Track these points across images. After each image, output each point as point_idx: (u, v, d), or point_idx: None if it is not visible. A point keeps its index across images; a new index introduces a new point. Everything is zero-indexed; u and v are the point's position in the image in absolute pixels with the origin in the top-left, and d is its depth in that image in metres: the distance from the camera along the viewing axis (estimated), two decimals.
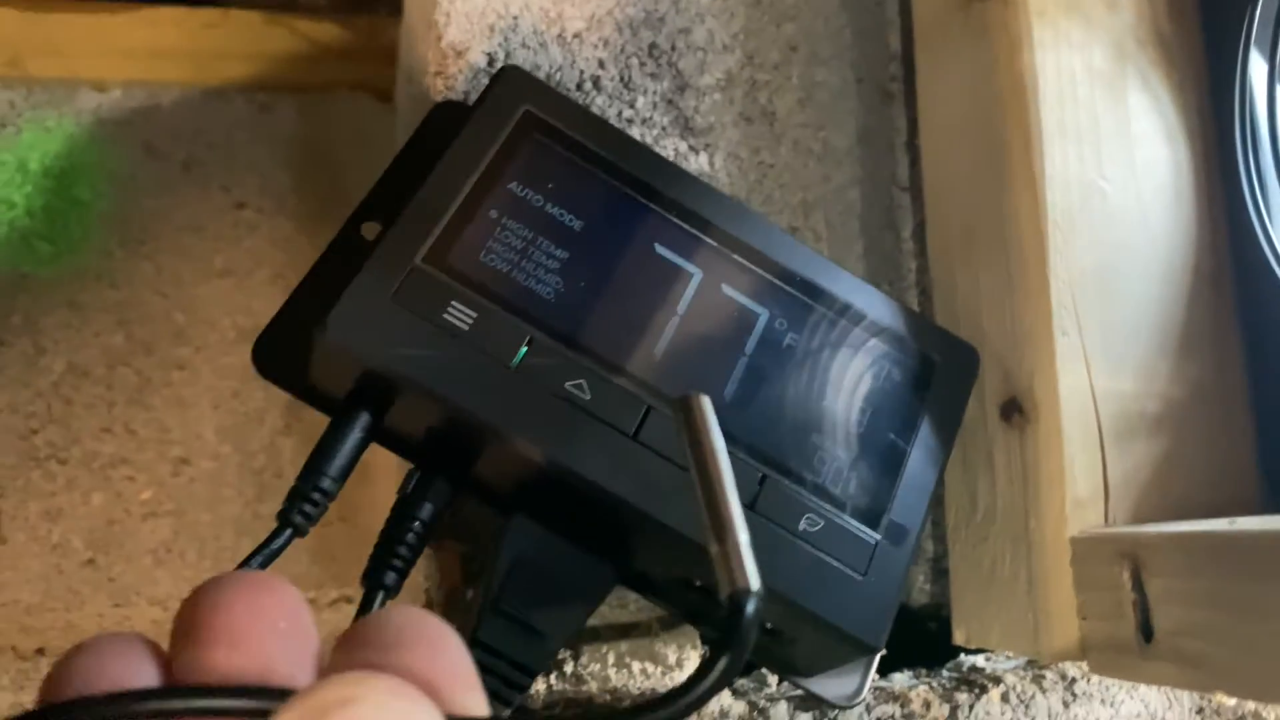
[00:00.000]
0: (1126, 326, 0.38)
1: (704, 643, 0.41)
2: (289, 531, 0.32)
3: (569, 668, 0.39)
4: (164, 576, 0.65)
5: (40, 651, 0.62)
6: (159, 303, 0.67)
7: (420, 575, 0.40)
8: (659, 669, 0.40)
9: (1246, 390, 0.40)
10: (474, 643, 0.32)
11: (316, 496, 0.32)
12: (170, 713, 0.22)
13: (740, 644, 0.22)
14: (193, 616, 0.23)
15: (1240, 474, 0.39)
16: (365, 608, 0.32)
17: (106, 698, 0.22)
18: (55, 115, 0.68)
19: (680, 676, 0.40)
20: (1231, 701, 0.40)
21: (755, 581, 0.22)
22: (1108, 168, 0.39)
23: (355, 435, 0.33)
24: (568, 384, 0.33)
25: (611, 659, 0.39)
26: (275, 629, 0.23)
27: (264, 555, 0.31)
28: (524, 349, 0.33)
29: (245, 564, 0.31)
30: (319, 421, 0.71)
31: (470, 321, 0.33)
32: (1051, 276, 0.38)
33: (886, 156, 0.47)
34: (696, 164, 0.44)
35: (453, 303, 0.33)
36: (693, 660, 0.40)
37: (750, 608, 0.22)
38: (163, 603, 0.66)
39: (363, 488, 0.58)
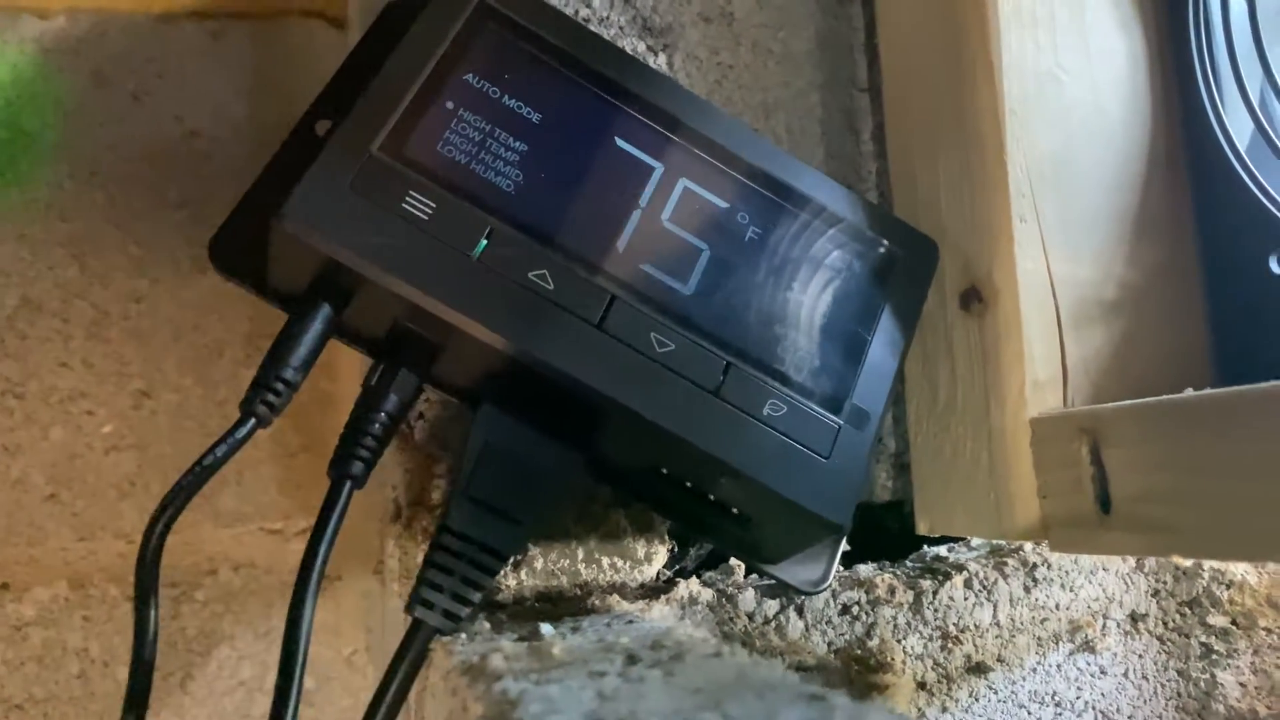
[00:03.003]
0: (1083, 213, 0.39)
1: (671, 536, 0.41)
2: (252, 422, 0.32)
3: (540, 564, 0.39)
4: (129, 509, 0.64)
5: (4, 586, 0.61)
6: (113, 234, 0.65)
7: (388, 485, 0.40)
8: (628, 563, 0.40)
9: (1199, 274, 0.40)
10: (444, 529, 0.32)
11: (279, 386, 0.32)
12: None
13: None
14: None
15: (1193, 355, 0.40)
16: (332, 499, 0.32)
17: None
18: None
19: (649, 571, 0.40)
20: (1188, 562, 0.41)
21: None
22: (1064, 56, 0.39)
23: (316, 326, 0.32)
24: (530, 274, 0.33)
25: (581, 555, 0.39)
26: None
27: (228, 444, 0.31)
28: (484, 240, 0.33)
29: (209, 453, 0.31)
30: None
31: (430, 211, 0.32)
32: (1010, 165, 0.38)
33: (845, 59, 0.47)
34: (655, 65, 0.43)
35: (411, 192, 0.32)
36: (661, 555, 0.41)
37: None
38: (128, 536, 0.65)
39: (328, 416, 0.57)
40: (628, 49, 0.43)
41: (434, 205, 0.33)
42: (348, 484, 0.32)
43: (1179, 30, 0.40)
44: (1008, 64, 0.38)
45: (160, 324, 0.66)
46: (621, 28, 0.43)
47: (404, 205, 0.32)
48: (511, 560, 0.38)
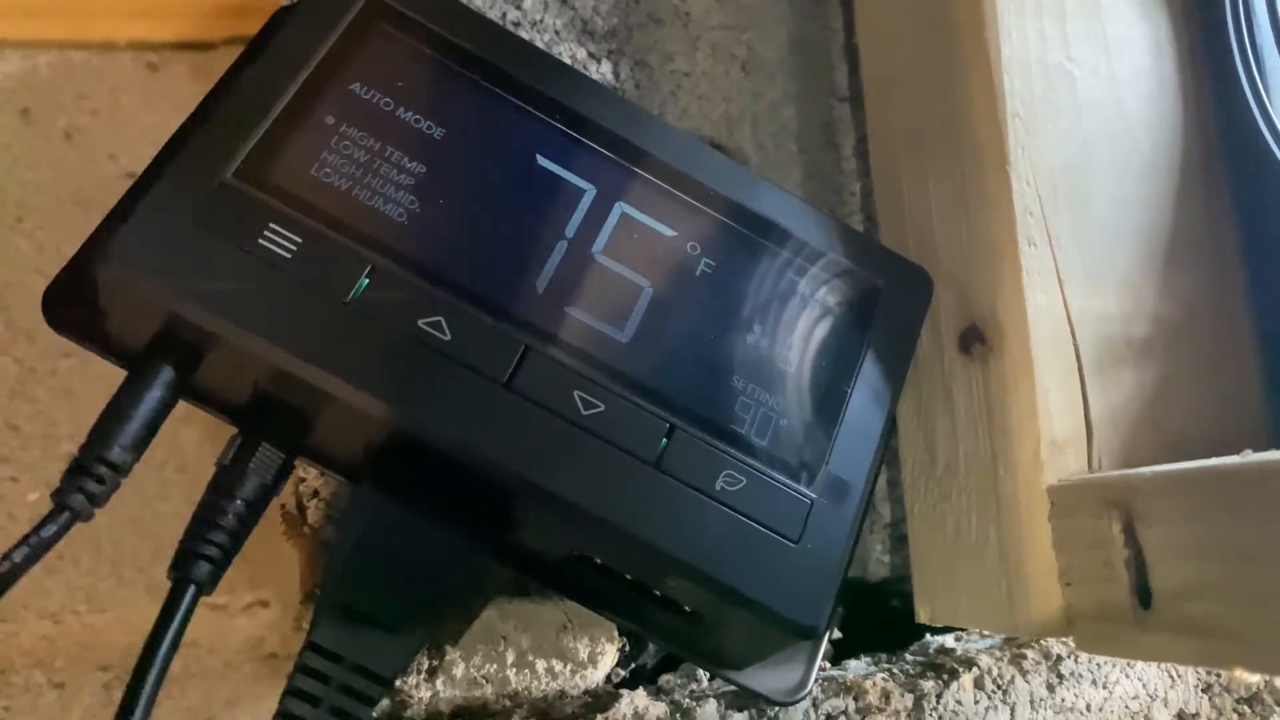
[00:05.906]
0: (1105, 234, 0.32)
1: (623, 632, 0.34)
2: (65, 515, 0.25)
3: (459, 670, 0.32)
4: (55, 586, 0.59)
5: None
6: (41, 285, 0.60)
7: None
8: (568, 667, 0.33)
9: (1249, 304, 0.34)
10: (309, 647, 0.26)
11: (102, 471, 0.26)
12: None
13: None
14: None
15: (1246, 403, 0.33)
16: (170, 609, 0.26)
17: None
18: None
19: (596, 675, 0.34)
20: (1254, 678, 0.34)
21: None
22: (1075, 48, 0.33)
23: (154, 394, 0.26)
24: (421, 322, 0.27)
25: (511, 658, 0.33)
26: None
27: (31, 545, 0.25)
28: (364, 280, 0.27)
29: (14, 551, 0.25)
30: None
31: (294, 248, 0.26)
32: (1013, 177, 0.32)
33: (822, 64, 0.41)
34: (598, 74, 0.37)
35: (271, 225, 0.27)
36: (609, 655, 0.34)
37: None
38: (54, 615, 0.60)
39: None
40: (564, 56, 0.37)
41: (300, 240, 0.26)
42: (190, 590, 0.26)
43: (1214, 14, 0.34)
44: (1008, 57, 0.32)
45: (92, 381, 0.60)
46: (558, 32, 0.37)
47: (260, 242, 0.26)
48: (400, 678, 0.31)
